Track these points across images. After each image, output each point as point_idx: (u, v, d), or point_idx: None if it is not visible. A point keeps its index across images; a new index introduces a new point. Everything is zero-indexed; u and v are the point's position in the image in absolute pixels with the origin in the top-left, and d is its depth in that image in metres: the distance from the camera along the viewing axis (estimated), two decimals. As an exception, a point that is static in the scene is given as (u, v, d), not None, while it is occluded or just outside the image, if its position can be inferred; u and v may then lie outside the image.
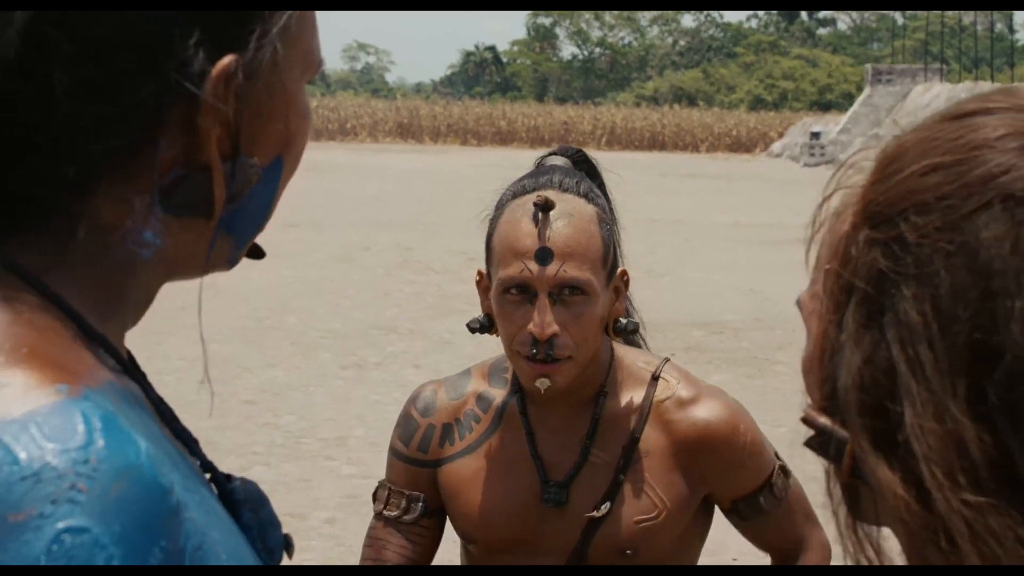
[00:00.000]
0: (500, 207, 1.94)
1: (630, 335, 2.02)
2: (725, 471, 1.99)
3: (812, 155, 44.89)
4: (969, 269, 0.78)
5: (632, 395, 1.99)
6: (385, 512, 2.08)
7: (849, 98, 66.25)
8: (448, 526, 2.11)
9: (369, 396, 9.00)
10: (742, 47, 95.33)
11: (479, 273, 1.99)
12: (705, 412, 1.97)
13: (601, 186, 2.07)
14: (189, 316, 9.43)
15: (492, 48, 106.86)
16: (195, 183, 0.85)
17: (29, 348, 0.76)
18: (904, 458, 0.79)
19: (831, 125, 48.55)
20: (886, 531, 0.86)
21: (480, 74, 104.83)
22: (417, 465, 2.07)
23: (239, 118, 0.85)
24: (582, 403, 1.98)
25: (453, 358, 10.26)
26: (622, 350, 2.04)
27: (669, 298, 13.25)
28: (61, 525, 0.68)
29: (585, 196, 1.91)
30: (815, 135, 46.45)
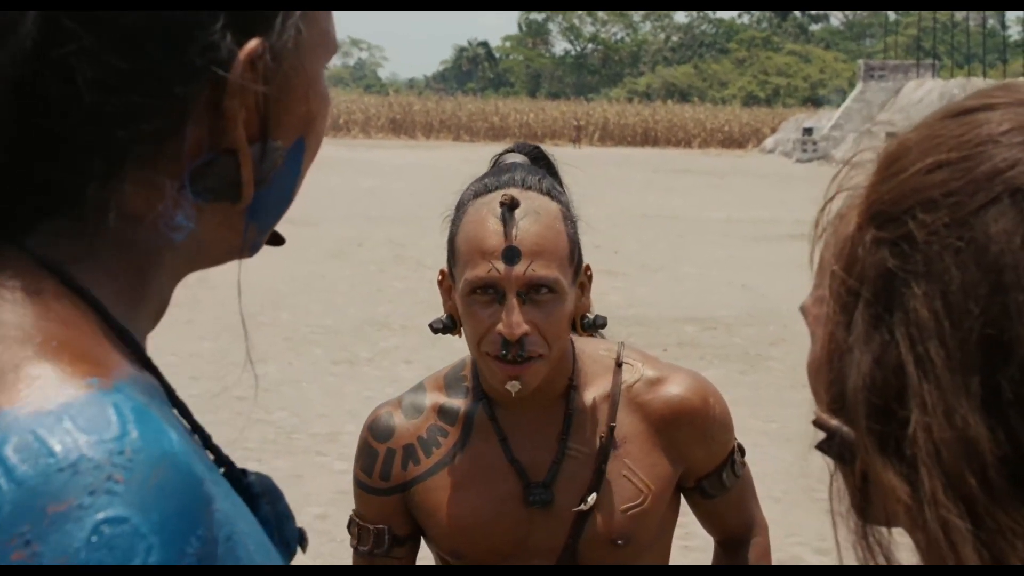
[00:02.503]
0: (462, 206, 1.91)
1: (598, 330, 2.00)
2: (699, 444, 1.98)
3: (805, 151, 44.95)
4: (979, 264, 0.77)
5: (601, 384, 1.97)
6: (359, 547, 2.05)
7: (842, 94, 66.31)
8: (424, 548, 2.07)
9: (361, 392, 9.00)
10: (735, 43, 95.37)
11: (441, 273, 1.95)
12: (676, 388, 1.97)
13: (559, 180, 2.03)
14: (181, 312, 9.38)
15: (485, 44, 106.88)
16: (222, 167, 0.84)
17: (59, 342, 0.76)
18: (909, 461, 0.78)
19: (824, 121, 48.64)
20: (897, 535, 0.86)
21: (473, 70, 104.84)
22: (382, 494, 2.00)
23: (267, 100, 0.85)
24: (552, 400, 1.96)
25: (445, 354, 10.24)
26: (580, 341, 2.02)
27: (662, 294, 13.26)
28: (100, 516, 0.69)
29: (548, 194, 1.88)
30: (807, 131, 46.53)
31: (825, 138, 45.09)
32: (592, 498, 1.92)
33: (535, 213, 1.83)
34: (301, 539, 0.93)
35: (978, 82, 40.47)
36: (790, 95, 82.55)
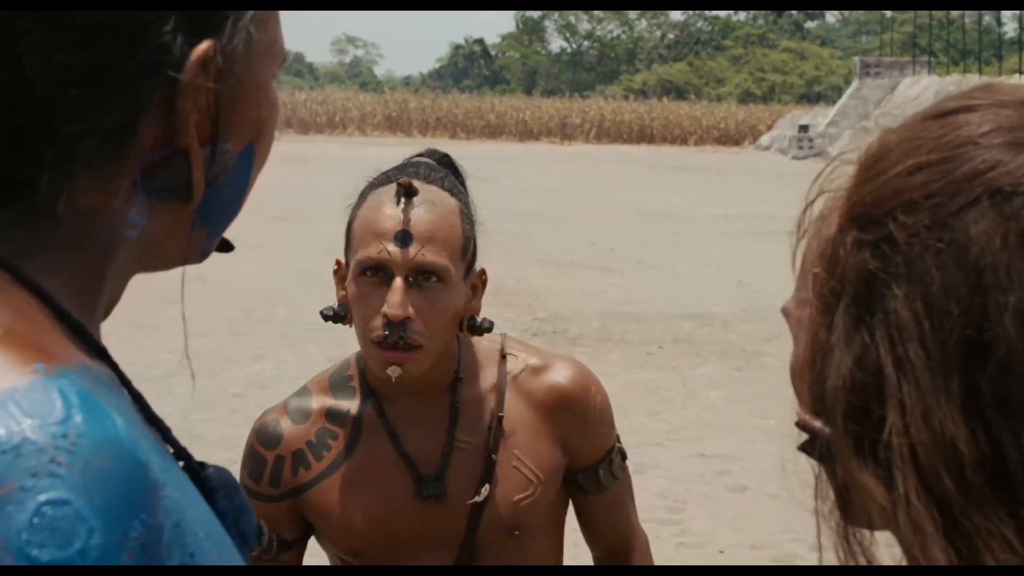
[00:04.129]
0: (363, 196, 1.94)
1: (484, 333, 1.98)
2: (579, 434, 2.00)
3: (801, 148, 44.99)
4: (959, 266, 0.78)
5: (487, 375, 1.99)
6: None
7: (838, 91, 66.37)
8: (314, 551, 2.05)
9: (358, 389, 9.00)
10: (730, 40, 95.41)
11: (337, 262, 1.96)
12: (559, 375, 2.00)
13: (465, 188, 2.04)
14: (176, 309, 9.33)
15: (481, 41, 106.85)
16: (174, 167, 0.85)
17: (6, 330, 0.76)
18: (885, 462, 0.79)
19: (819, 118, 48.66)
20: (880, 537, 0.86)
21: (469, 67, 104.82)
22: (271, 500, 1.97)
23: (218, 102, 0.86)
24: (439, 392, 1.97)
25: (442, 351, 10.24)
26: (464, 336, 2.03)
27: (658, 290, 13.26)
28: (42, 498, 0.69)
29: (449, 190, 1.91)
30: (803, 128, 46.55)
31: (821, 135, 45.11)
32: (485, 489, 1.94)
33: (431, 203, 1.86)
34: (259, 533, 0.93)
35: (974, 79, 40.48)
36: (786, 92, 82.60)
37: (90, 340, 0.82)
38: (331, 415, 1.98)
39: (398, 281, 1.82)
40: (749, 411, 8.36)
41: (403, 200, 1.85)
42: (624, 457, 2.09)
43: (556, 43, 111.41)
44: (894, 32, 70.49)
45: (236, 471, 0.89)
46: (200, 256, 0.94)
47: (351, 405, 1.98)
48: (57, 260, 0.83)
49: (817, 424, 0.86)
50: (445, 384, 1.97)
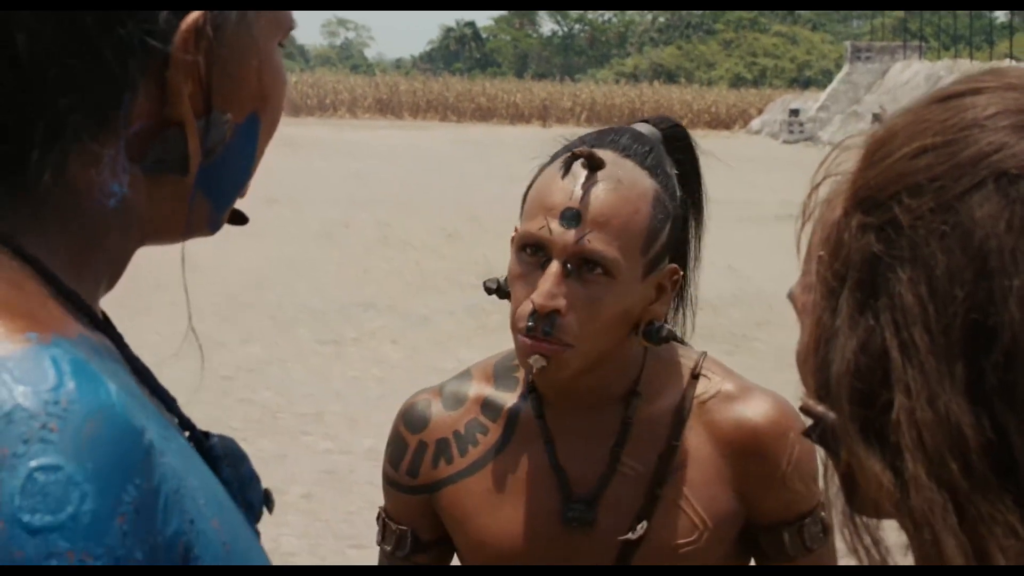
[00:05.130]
0: (553, 158, 1.68)
1: (662, 343, 1.68)
2: (764, 484, 1.68)
3: (791, 132, 44.99)
4: (964, 249, 0.77)
5: (670, 394, 1.71)
6: (383, 544, 1.83)
7: (828, 75, 66.37)
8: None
9: (347, 372, 9.00)
10: (722, 24, 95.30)
11: (515, 230, 1.69)
12: (753, 410, 1.69)
13: (693, 172, 1.78)
14: (165, 293, 9.40)
15: (472, 24, 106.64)
16: (169, 139, 0.86)
17: (1, 301, 0.77)
18: (892, 446, 0.78)
19: (810, 102, 48.66)
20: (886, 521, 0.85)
21: (460, 50, 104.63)
22: (407, 492, 1.78)
23: (210, 73, 0.85)
24: (610, 404, 1.70)
25: (431, 335, 10.26)
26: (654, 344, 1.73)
27: (648, 275, 13.26)
28: (34, 464, 0.69)
29: (649, 169, 1.63)
30: (794, 112, 46.56)
31: (812, 119, 45.11)
32: (642, 527, 1.66)
33: (617, 181, 1.60)
34: (267, 500, 0.94)
35: (964, 64, 40.52)
36: (777, 76, 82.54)
37: (88, 311, 0.82)
38: (487, 406, 1.76)
39: (554, 266, 1.58)
40: (738, 395, 8.38)
41: (583, 173, 1.60)
42: (826, 531, 1.72)
43: (547, 26, 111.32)
44: (885, 17, 70.46)
45: (224, 435, 0.88)
46: (209, 229, 0.94)
47: (510, 399, 1.75)
48: (50, 236, 0.84)
49: (820, 409, 0.85)
50: (619, 396, 1.70)
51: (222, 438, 0.91)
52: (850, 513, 0.86)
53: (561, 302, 1.57)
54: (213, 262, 12.32)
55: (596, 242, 1.57)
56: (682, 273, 1.71)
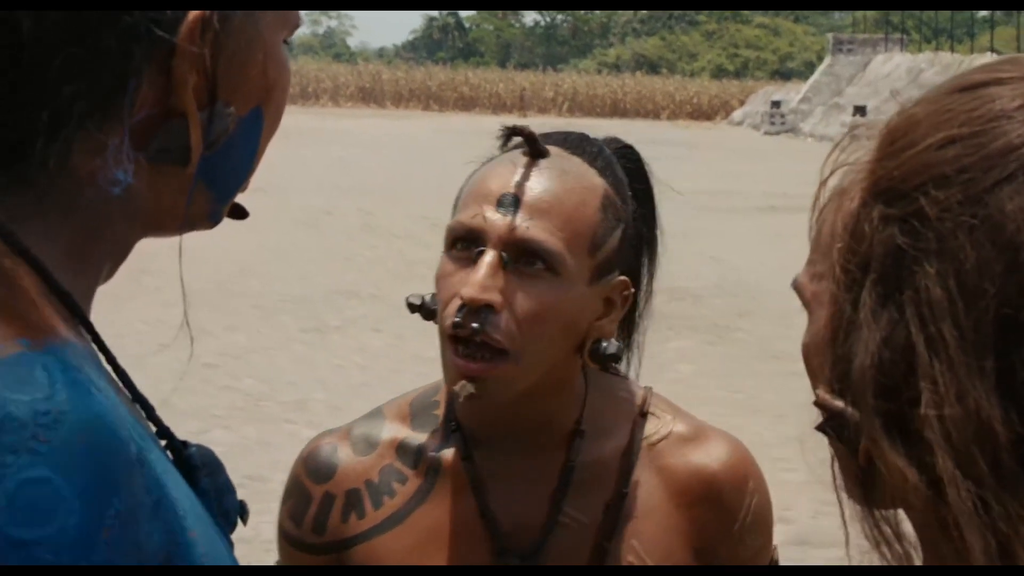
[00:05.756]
0: (490, 159, 1.51)
1: (609, 363, 1.51)
2: (721, 537, 1.52)
3: (773, 123, 45.03)
4: (994, 243, 0.76)
5: (615, 434, 1.51)
6: None
7: (810, 67, 66.35)
8: None
9: (330, 360, 9.01)
10: (704, 15, 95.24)
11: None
12: (710, 455, 1.52)
13: (646, 198, 1.61)
14: (150, 279, 9.38)
15: (455, 14, 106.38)
16: (172, 129, 0.85)
17: None
18: (917, 442, 0.77)
19: (792, 94, 48.70)
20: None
21: (443, 39, 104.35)
22: (313, 551, 1.52)
23: (216, 65, 0.85)
24: (549, 445, 1.49)
25: (414, 323, 10.22)
26: (598, 377, 1.55)
27: (630, 265, 13.28)
28: (23, 475, 0.69)
29: (599, 169, 1.47)
30: (776, 104, 46.59)
31: (793, 111, 45.14)
32: None
33: (563, 171, 1.43)
34: (242, 511, 0.93)
35: (945, 56, 40.59)
36: (759, 68, 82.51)
37: (79, 314, 0.81)
38: (403, 450, 1.51)
39: (489, 255, 1.38)
40: (720, 385, 8.41)
41: (522, 161, 1.43)
42: None
43: (530, 17, 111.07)
44: (867, 9, 70.47)
45: (206, 442, 0.86)
46: (210, 221, 0.94)
47: (431, 440, 1.51)
48: (52, 225, 0.83)
49: (838, 403, 0.83)
50: (560, 435, 1.49)
51: (200, 447, 0.90)
52: (869, 510, 0.84)
53: (496, 296, 1.37)
54: (197, 250, 12.29)
55: (537, 230, 1.39)
56: (633, 290, 1.51)
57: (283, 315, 10.46)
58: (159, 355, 7.49)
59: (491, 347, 1.37)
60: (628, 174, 1.55)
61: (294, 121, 42.37)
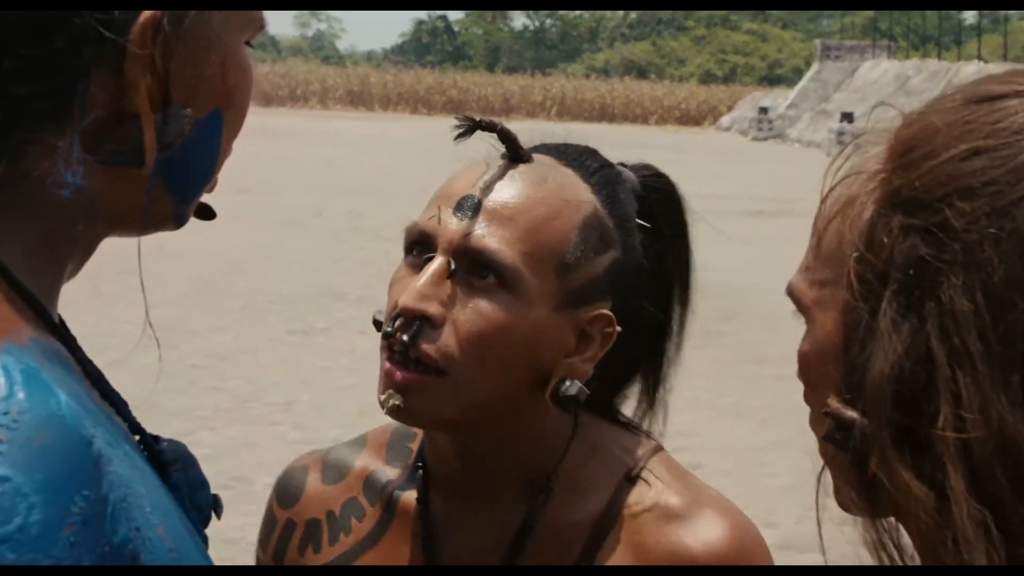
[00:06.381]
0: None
1: (569, 406, 1.29)
2: None
3: (760, 129, 45.13)
4: (1022, 256, 0.76)
5: (594, 496, 1.31)
6: None
7: (798, 73, 66.49)
8: None
9: (317, 361, 9.01)
10: (693, 20, 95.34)
11: None
12: (699, 536, 1.29)
13: (675, 232, 1.44)
14: (137, 280, 9.38)
15: (444, 17, 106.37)
16: (126, 131, 0.85)
17: None
18: (927, 456, 0.77)
19: (780, 100, 48.80)
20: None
21: (432, 43, 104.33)
22: None
23: (168, 66, 0.85)
24: (513, 497, 1.32)
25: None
26: (594, 425, 1.36)
27: (617, 269, 13.29)
28: None
29: (593, 185, 1.31)
30: (764, 110, 46.70)
31: (781, 117, 45.23)
32: None
33: (540, 179, 1.27)
34: (216, 505, 0.94)
35: (932, 64, 40.68)
36: (747, 74, 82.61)
37: (43, 313, 0.82)
38: (370, 484, 1.39)
39: (436, 262, 1.24)
40: (705, 388, 8.41)
41: (498, 163, 1.28)
42: None
43: (519, 20, 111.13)
44: (855, 15, 70.67)
45: (192, 443, 0.86)
46: (174, 222, 0.94)
47: (398, 477, 1.38)
48: (7, 225, 0.83)
49: (849, 414, 0.82)
50: (526, 487, 1.31)
51: (172, 442, 0.91)
52: (872, 520, 0.84)
53: (434, 307, 1.23)
54: (185, 249, 12.29)
55: (491, 238, 1.23)
56: (618, 329, 1.29)
57: (270, 316, 10.46)
58: (145, 355, 7.50)
59: (425, 363, 1.23)
60: (656, 205, 1.40)
61: (283, 123, 42.36)
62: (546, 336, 1.25)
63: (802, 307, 0.89)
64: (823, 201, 0.88)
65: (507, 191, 1.25)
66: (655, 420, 1.43)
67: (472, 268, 1.23)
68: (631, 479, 1.32)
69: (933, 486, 0.76)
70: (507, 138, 1.28)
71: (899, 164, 0.83)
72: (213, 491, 0.94)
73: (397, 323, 1.23)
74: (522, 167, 1.28)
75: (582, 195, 1.29)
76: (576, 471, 1.32)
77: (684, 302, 1.44)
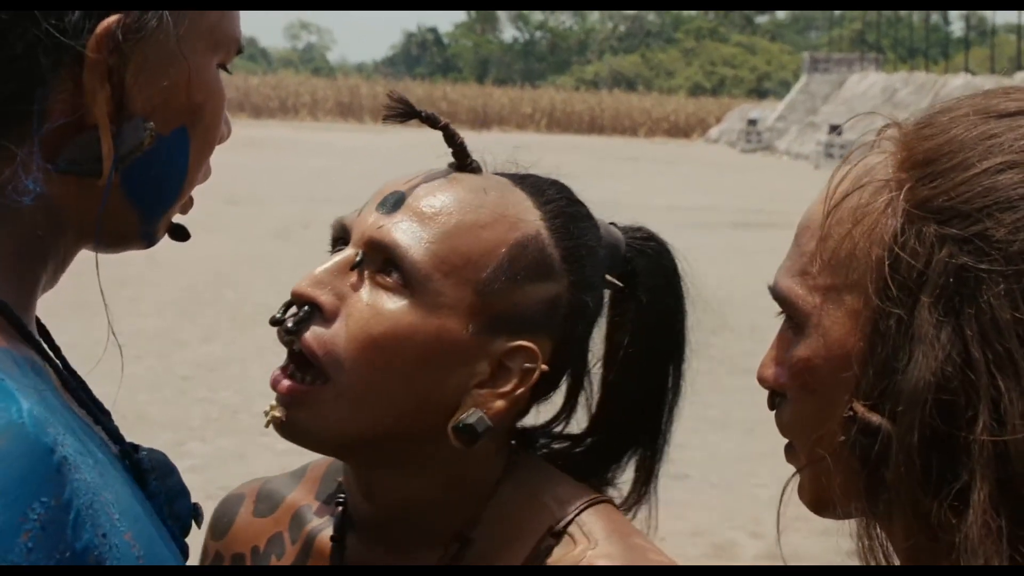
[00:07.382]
0: None
1: (471, 439, 1.14)
2: None
3: (749, 141, 45.25)
4: None
5: (515, 551, 1.17)
6: None
7: (787, 85, 66.67)
8: None
9: (305, 373, 9.01)
10: (682, 32, 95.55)
11: None
12: None
13: (667, 296, 1.38)
14: (126, 290, 9.36)
15: (434, 29, 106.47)
16: (84, 141, 0.85)
17: None
18: (952, 461, 0.77)
19: (768, 112, 48.94)
20: None
21: (422, 55, 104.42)
22: None
23: (123, 75, 0.85)
24: (427, 544, 1.19)
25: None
26: (536, 470, 1.23)
27: (605, 281, 13.30)
28: None
29: (544, 213, 1.19)
30: (752, 122, 46.81)
31: (769, 129, 45.36)
32: None
33: (481, 191, 1.17)
34: (195, 514, 0.94)
35: (920, 76, 40.83)
36: (736, 86, 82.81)
37: (16, 322, 0.82)
38: (296, 519, 1.29)
39: (343, 254, 1.16)
40: (692, 400, 8.40)
41: (444, 169, 1.20)
42: None
43: (509, 32, 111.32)
44: (843, 28, 70.93)
45: (181, 454, 0.86)
46: (142, 240, 0.94)
47: (321, 513, 1.28)
48: None
49: (876, 419, 0.83)
50: (443, 535, 1.19)
51: (151, 451, 0.91)
52: (867, 525, 0.85)
53: (327, 295, 1.13)
54: (173, 260, 12.28)
55: (402, 233, 1.13)
56: (545, 369, 1.16)
57: (258, 326, 10.42)
58: (133, 365, 7.50)
59: (315, 369, 1.13)
60: (641, 269, 1.32)
61: (273, 134, 42.32)
62: (454, 356, 1.13)
63: (798, 311, 0.89)
64: (827, 214, 0.88)
65: (437, 192, 1.16)
66: (649, 493, 1.32)
67: (381, 265, 1.13)
68: (556, 534, 1.17)
69: (950, 492, 0.77)
70: (452, 141, 1.19)
71: (925, 174, 0.84)
72: (200, 501, 0.95)
73: (285, 315, 1.14)
74: (466, 175, 1.19)
75: (524, 215, 1.17)
76: (502, 521, 1.19)
77: (676, 377, 1.37)
